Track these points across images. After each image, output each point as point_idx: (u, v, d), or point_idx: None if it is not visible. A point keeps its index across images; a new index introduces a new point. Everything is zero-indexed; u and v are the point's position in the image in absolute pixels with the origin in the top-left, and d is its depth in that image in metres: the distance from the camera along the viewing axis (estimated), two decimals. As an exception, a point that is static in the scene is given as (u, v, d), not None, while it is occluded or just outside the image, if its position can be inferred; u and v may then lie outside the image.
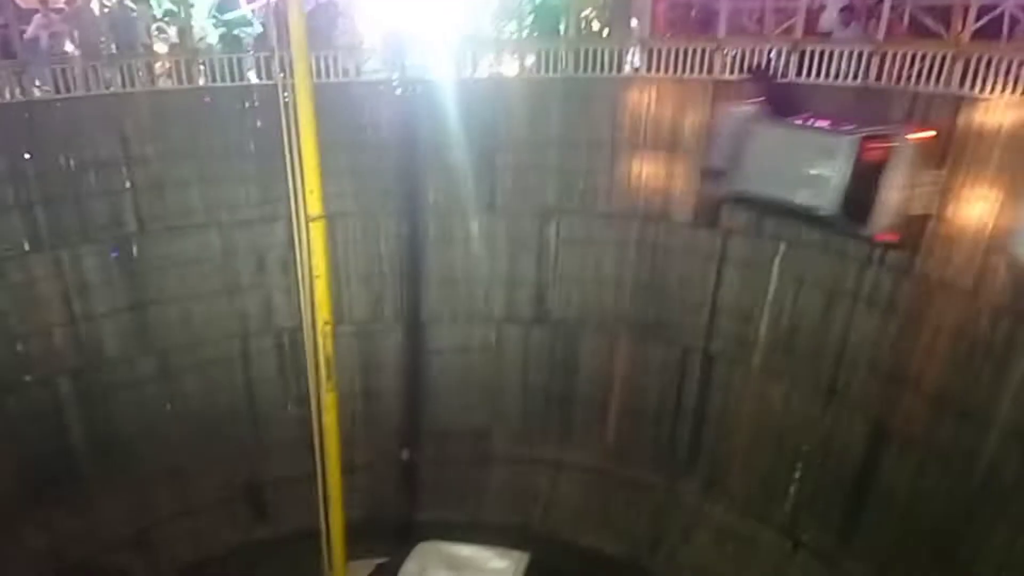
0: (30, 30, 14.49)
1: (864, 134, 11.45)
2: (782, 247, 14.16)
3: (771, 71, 13.66)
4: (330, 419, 10.95)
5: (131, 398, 15.59)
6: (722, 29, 14.47)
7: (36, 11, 14.84)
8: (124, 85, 14.46)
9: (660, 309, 16.03)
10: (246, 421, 16.78)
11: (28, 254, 14.10)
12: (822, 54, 13.22)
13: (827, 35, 14.14)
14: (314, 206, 9.55)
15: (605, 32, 17.67)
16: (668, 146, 15.15)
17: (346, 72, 15.72)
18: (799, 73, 13.52)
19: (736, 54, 14.25)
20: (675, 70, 14.82)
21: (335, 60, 15.58)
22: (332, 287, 16.40)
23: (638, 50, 15.29)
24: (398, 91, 15.91)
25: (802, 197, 11.91)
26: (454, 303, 17.24)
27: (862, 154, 11.32)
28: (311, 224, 9.68)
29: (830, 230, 12.41)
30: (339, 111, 15.45)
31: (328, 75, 15.48)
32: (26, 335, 14.38)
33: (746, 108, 13.11)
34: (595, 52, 15.47)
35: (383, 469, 17.14)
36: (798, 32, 13.84)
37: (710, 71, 14.46)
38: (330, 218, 15.90)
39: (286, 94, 9.60)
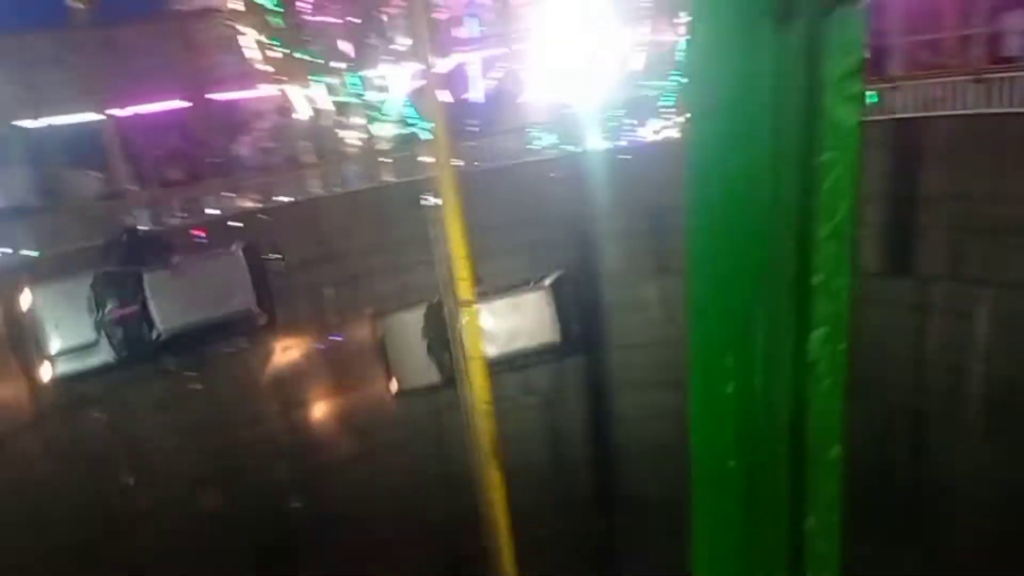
0: (239, 147, 16.53)
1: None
2: (990, 292, 13.60)
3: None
4: (497, 496, 11.11)
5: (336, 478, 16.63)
6: (896, 66, 14.47)
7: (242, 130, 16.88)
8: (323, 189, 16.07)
9: (856, 363, 15.55)
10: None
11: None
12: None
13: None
14: (465, 292, 10.01)
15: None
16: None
17: (514, 152, 16.78)
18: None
19: (914, 90, 14.17)
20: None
21: (502, 143, 16.71)
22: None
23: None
24: (566, 164, 16.76)
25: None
26: (639, 369, 17.46)
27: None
28: (463, 309, 10.09)
29: None
30: (509, 191, 16.51)
31: (497, 158, 16.76)
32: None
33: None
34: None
35: (576, 541, 17.31)
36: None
37: (891, 112, 14.42)
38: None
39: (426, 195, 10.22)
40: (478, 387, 10.36)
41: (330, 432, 16.73)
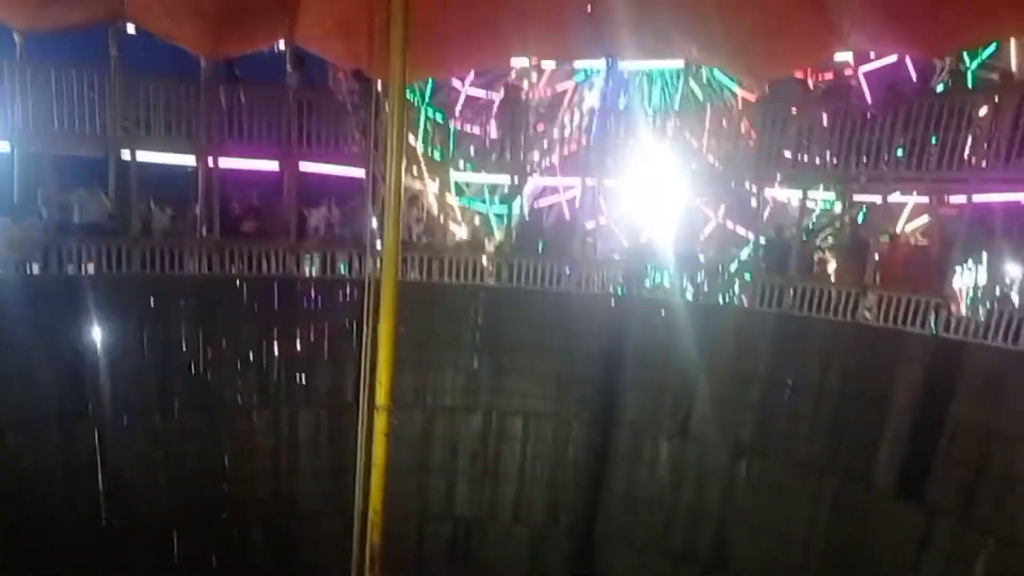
0: (312, 220, 18.26)
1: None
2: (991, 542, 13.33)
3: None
4: None
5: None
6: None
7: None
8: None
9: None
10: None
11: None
12: None
13: None
14: (382, 396, 10.44)
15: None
16: (876, 401, 15.10)
17: (570, 282, 17.80)
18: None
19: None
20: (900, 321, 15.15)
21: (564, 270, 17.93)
22: (517, 485, 18.13)
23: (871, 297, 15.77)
24: (617, 306, 17.54)
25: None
26: (632, 527, 17.63)
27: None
28: (376, 414, 10.48)
29: None
30: (553, 317, 17.41)
31: (554, 283, 17.94)
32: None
33: None
34: (822, 293, 16.21)
35: None
36: None
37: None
38: (526, 416, 17.93)
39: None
40: (374, 496, 10.70)
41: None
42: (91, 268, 16.11)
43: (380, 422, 10.92)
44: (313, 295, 17.65)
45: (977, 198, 14.96)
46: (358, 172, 17.90)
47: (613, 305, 17.82)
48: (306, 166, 18.09)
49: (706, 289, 17.52)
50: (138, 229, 16.92)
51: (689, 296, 17.43)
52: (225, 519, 17.38)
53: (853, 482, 15.36)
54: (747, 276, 17.32)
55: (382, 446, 10.95)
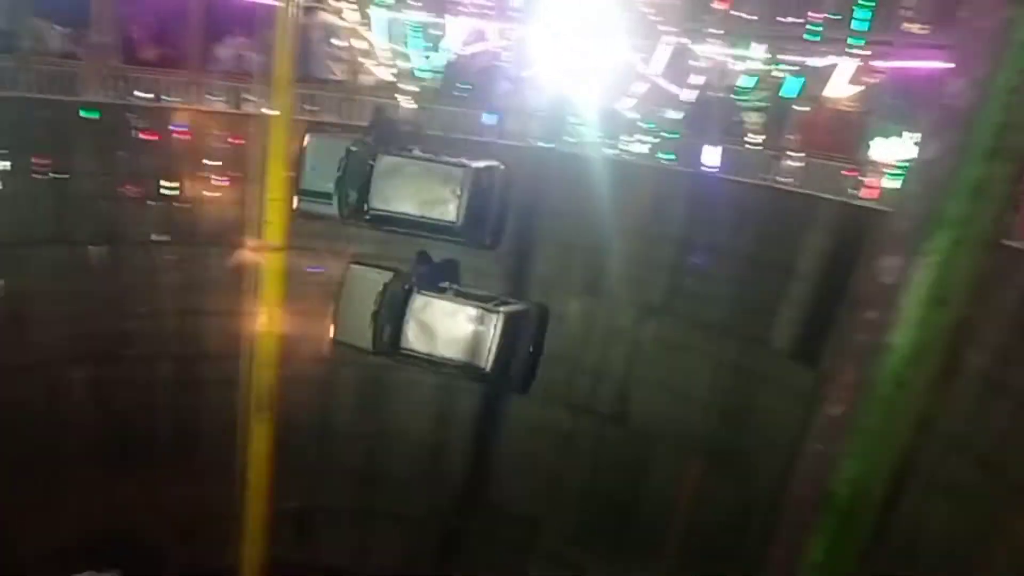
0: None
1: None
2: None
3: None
4: (260, 448, 11.65)
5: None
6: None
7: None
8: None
9: (740, 440, 16.02)
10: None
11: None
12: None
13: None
14: (274, 236, 10.36)
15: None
16: (783, 266, 15.35)
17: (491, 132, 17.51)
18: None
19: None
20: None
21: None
22: None
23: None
24: (534, 159, 17.28)
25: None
26: (537, 380, 18.00)
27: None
28: (268, 254, 10.47)
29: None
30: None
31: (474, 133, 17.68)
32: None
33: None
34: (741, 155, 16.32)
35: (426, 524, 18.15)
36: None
37: None
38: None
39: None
40: (267, 335, 10.83)
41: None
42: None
43: (274, 262, 10.90)
44: (218, 130, 17.07)
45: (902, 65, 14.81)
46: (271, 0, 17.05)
47: (531, 158, 17.50)
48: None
49: (626, 147, 17.31)
50: (29, 47, 16.07)
51: (608, 152, 17.19)
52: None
53: (752, 344, 15.83)
54: (671, 135, 17.13)
55: (274, 285, 11.01)
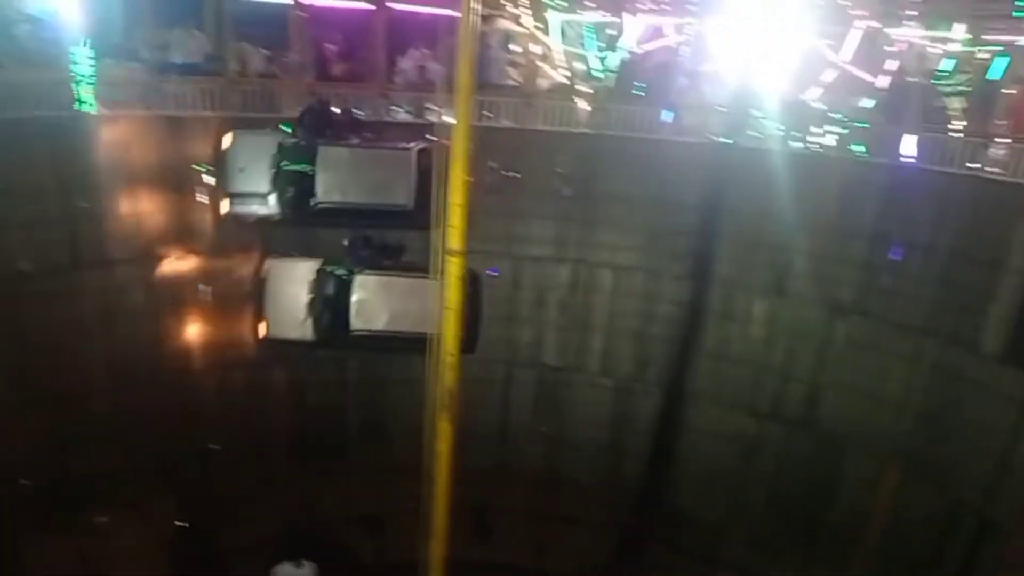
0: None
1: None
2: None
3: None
4: (443, 447, 11.72)
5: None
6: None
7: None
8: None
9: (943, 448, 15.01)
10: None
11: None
12: None
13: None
14: (454, 241, 10.51)
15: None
16: (990, 263, 14.29)
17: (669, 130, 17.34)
18: None
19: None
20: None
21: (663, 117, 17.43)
22: (605, 337, 18.35)
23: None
24: (716, 156, 16.92)
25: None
26: (720, 384, 17.65)
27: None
28: (448, 258, 10.59)
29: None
30: (645, 165, 17.01)
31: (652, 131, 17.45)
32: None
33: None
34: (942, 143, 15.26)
35: (606, 529, 18.09)
36: None
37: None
38: (614, 269, 17.91)
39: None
40: (449, 337, 11.06)
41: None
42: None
43: (454, 266, 11.23)
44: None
45: None
46: (451, 12, 17.62)
47: (712, 155, 17.14)
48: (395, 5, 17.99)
49: (813, 139, 16.59)
50: (235, 70, 17.37)
51: (794, 145, 16.55)
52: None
53: (956, 345, 14.78)
54: (861, 125, 16.28)
55: (456, 289, 11.33)
